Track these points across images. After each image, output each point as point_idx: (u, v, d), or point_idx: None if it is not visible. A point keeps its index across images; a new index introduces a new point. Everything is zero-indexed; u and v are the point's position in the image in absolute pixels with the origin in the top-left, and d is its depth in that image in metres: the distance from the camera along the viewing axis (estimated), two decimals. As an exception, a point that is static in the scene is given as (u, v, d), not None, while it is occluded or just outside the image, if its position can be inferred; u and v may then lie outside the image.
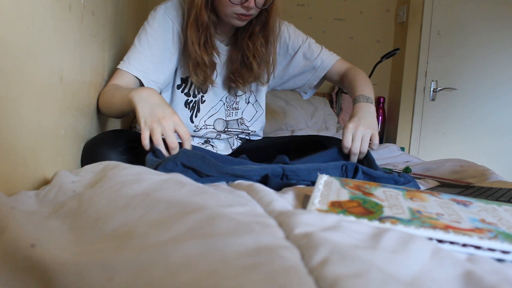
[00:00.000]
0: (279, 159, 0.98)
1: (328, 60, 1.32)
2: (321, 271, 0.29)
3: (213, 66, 1.15)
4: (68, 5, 0.84)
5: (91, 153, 0.98)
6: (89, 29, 1.01)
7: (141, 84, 1.12)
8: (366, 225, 0.38)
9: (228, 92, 1.26)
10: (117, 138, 1.01)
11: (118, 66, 1.12)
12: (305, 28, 2.67)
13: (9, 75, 0.61)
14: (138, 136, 1.05)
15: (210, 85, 1.21)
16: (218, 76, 1.22)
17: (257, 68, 1.19)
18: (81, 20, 0.94)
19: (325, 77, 1.34)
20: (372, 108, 1.12)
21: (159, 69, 1.13)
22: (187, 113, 1.22)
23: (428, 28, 2.42)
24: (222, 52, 1.21)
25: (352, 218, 0.44)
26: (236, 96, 1.27)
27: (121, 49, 1.49)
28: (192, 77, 1.14)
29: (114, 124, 1.42)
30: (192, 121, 1.22)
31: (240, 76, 1.20)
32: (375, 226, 0.42)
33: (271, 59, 1.21)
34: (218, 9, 1.08)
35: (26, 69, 0.67)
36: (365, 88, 1.18)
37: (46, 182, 0.73)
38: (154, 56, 1.12)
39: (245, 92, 1.29)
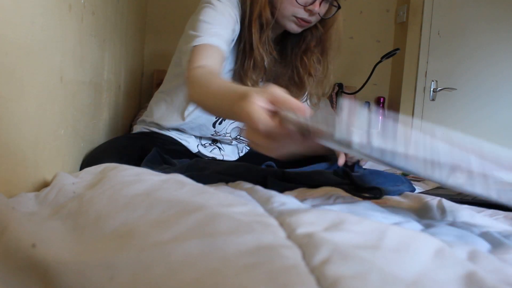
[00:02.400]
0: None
1: None
2: (322, 271, 0.29)
3: (264, 70, 1.07)
4: (68, 5, 0.84)
5: (93, 163, 0.94)
6: (89, 29, 1.01)
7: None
8: (369, 224, 0.38)
9: None
10: (119, 150, 0.97)
11: (193, 44, 0.94)
12: (305, 28, 2.65)
13: (9, 75, 0.61)
14: (142, 145, 1.02)
15: None
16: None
17: (309, 86, 1.11)
18: (81, 20, 0.94)
19: None
20: None
21: (228, 38, 0.99)
22: (212, 118, 1.14)
23: (428, 28, 2.42)
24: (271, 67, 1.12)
25: None
26: None
27: (121, 49, 1.49)
28: (248, 79, 1.04)
29: (116, 125, 1.42)
30: (214, 126, 1.16)
31: (287, 93, 1.13)
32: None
33: (325, 78, 1.12)
34: (278, 8, 1.00)
35: (26, 69, 0.67)
36: None
37: (46, 183, 0.73)
38: (224, 29, 0.98)
39: None
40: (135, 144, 1.05)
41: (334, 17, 1.07)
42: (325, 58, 1.11)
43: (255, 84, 1.05)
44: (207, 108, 0.83)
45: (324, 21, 1.07)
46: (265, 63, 1.05)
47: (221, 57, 0.95)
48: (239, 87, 0.69)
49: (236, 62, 1.07)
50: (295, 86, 1.11)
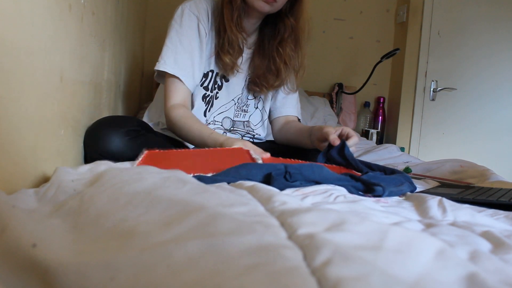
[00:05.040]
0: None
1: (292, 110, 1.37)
2: (323, 272, 0.28)
3: (240, 50, 1.19)
4: (68, 5, 0.84)
5: (93, 135, 1.00)
6: (89, 29, 1.01)
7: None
8: (370, 225, 0.38)
9: (241, 93, 1.28)
10: (119, 120, 1.04)
11: (155, 68, 1.14)
12: (305, 28, 2.65)
13: (9, 75, 0.61)
14: (141, 121, 1.11)
15: (224, 78, 1.23)
16: (235, 76, 1.24)
17: (285, 75, 1.22)
18: (81, 20, 0.94)
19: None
20: None
21: (195, 65, 1.16)
22: (203, 106, 1.24)
23: (428, 28, 2.42)
24: (243, 53, 1.23)
25: None
26: (248, 99, 1.30)
27: (121, 49, 1.48)
28: (226, 56, 1.16)
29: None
30: (205, 115, 1.24)
31: (265, 81, 1.23)
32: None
33: (298, 64, 1.24)
34: None
35: (26, 69, 0.67)
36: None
37: (46, 182, 0.73)
38: (186, 53, 1.14)
39: (264, 96, 1.32)
40: (134, 118, 1.14)
41: (302, 7, 1.17)
42: (298, 47, 1.22)
43: (232, 61, 1.17)
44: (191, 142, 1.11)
45: (294, 12, 1.17)
46: (240, 43, 1.16)
47: (187, 90, 1.15)
48: (218, 137, 1.02)
49: (215, 48, 1.19)
50: (272, 74, 1.23)
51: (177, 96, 1.13)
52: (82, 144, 1.01)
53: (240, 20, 1.15)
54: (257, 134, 1.33)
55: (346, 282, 0.27)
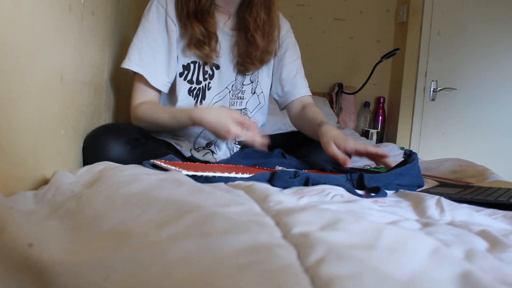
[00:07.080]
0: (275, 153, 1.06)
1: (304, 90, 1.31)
2: (316, 270, 0.29)
3: (212, 36, 1.13)
4: (68, 5, 0.85)
5: (94, 143, 0.98)
6: (89, 29, 1.01)
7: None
8: (365, 224, 0.38)
9: (235, 79, 1.23)
10: (119, 129, 1.02)
11: (121, 65, 1.11)
12: (305, 28, 2.67)
13: (9, 75, 0.61)
14: (140, 128, 1.08)
15: (215, 66, 1.18)
16: (224, 62, 1.19)
17: (261, 40, 1.16)
18: (81, 20, 0.94)
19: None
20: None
21: (162, 62, 1.12)
22: (191, 101, 1.19)
23: (428, 28, 2.42)
24: (227, 36, 1.19)
25: None
26: (243, 85, 1.24)
27: (121, 49, 1.49)
28: (191, 49, 1.12)
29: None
30: None
31: (247, 56, 1.18)
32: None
33: (275, 30, 1.19)
34: None
35: (26, 69, 0.67)
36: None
37: (46, 182, 0.73)
38: (152, 50, 1.11)
39: (257, 70, 1.25)
40: (134, 127, 1.11)
41: None
42: (267, 7, 1.16)
43: (202, 52, 1.12)
44: (162, 128, 1.10)
45: None
46: (200, 30, 1.10)
47: (153, 91, 1.13)
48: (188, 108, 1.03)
49: (187, 51, 1.14)
50: (251, 46, 1.17)
51: (143, 97, 1.11)
52: (82, 144, 1.01)
53: (207, 6, 1.09)
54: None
55: (339, 280, 0.27)
